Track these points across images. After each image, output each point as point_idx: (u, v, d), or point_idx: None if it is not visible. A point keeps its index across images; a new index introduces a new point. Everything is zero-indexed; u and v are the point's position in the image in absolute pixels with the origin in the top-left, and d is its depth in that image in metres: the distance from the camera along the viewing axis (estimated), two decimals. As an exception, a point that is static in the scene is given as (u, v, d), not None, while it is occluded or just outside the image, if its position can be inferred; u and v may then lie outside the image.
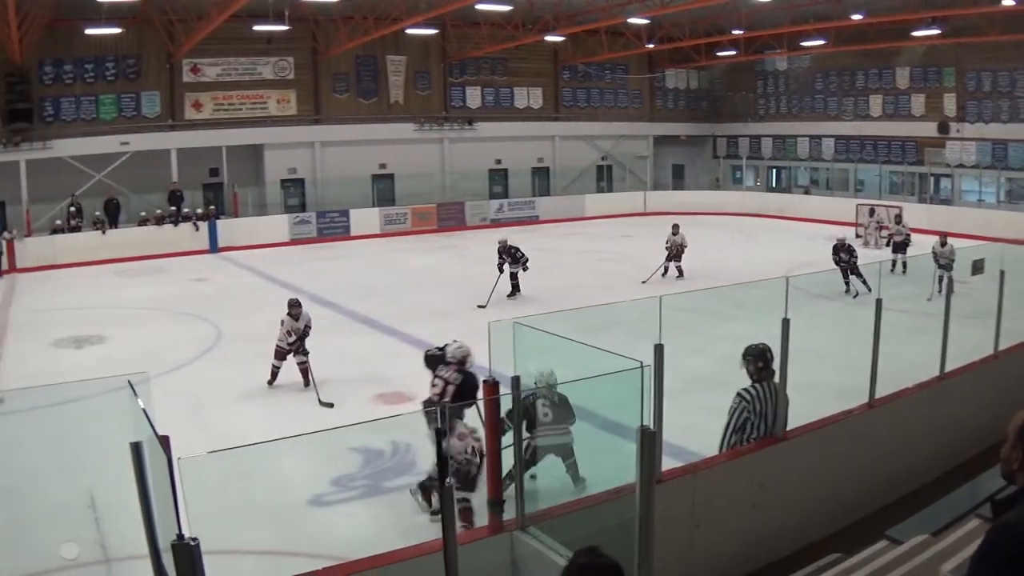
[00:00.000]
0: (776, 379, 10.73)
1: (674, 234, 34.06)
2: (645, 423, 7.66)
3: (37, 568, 10.22)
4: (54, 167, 42.18)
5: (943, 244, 27.42)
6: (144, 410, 5.82)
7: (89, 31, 41.09)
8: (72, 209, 42.81)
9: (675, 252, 33.67)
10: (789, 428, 10.87)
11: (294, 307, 19.80)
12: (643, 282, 29.22)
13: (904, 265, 31.39)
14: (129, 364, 20.59)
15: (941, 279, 23.24)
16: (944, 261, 25.33)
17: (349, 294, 30.25)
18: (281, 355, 19.72)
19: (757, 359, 10.72)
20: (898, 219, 34.84)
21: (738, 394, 10.63)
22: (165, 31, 42.69)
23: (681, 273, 32.93)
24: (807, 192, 56.57)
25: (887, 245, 34.46)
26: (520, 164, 55.94)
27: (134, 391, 6.05)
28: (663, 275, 31.64)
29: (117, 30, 41.52)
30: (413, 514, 11.19)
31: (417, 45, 50.70)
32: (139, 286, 32.58)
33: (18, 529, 12.14)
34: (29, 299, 31.03)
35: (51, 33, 41.30)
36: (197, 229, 43.66)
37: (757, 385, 10.67)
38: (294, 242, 44.92)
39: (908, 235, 33.52)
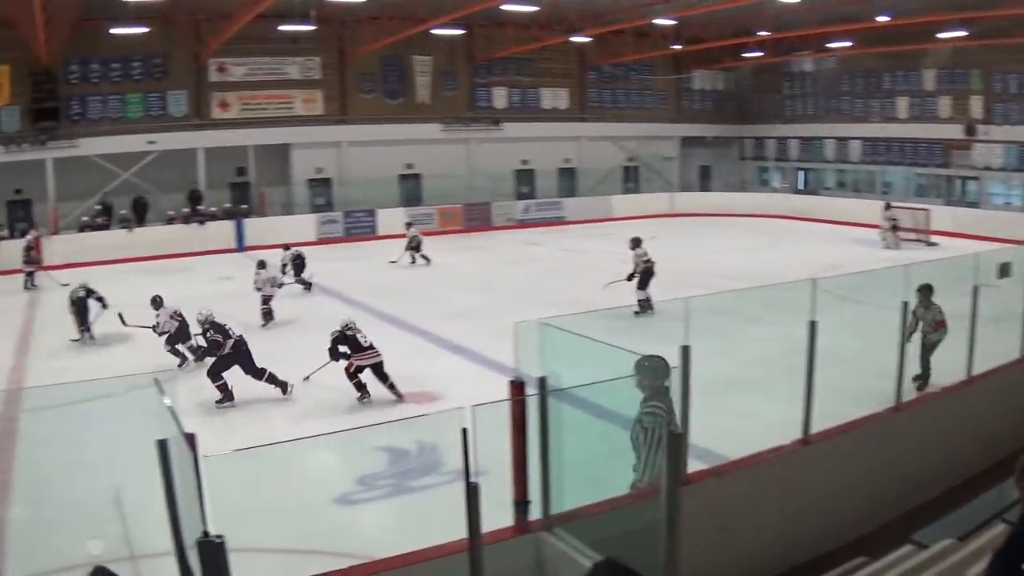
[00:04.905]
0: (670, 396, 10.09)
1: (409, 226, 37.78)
2: (671, 425, 7.64)
3: (63, 564, 10.23)
4: (81, 165, 42.57)
5: None
6: (170, 408, 5.82)
7: (115, 31, 41.35)
8: (99, 207, 43.01)
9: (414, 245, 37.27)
10: (815, 431, 10.81)
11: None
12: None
13: (648, 304, 25.67)
14: (155, 362, 20.67)
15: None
16: None
17: (376, 293, 30.31)
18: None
19: (656, 377, 9.28)
20: (637, 243, 26.81)
21: (651, 413, 9.20)
22: (192, 31, 43.24)
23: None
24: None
25: (628, 278, 26.29)
26: (546, 165, 55.89)
27: (160, 389, 6.05)
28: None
29: (144, 30, 41.71)
30: (439, 513, 11.19)
31: (443, 45, 50.70)
32: (165, 285, 32.50)
33: (45, 525, 12.19)
34: (55, 297, 31.11)
35: (78, 33, 41.68)
36: (202, 224, 44.18)
37: (657, 403, 9.32)
38: (321, 241, 44.94)
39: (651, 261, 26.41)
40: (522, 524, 8.74)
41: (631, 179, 59.44)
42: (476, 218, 50.64)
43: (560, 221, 52.23)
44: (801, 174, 59.73)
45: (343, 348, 18.92)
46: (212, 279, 34.21)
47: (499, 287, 28.79)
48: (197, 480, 5.42)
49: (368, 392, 18.89)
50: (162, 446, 6.09)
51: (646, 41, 51.91)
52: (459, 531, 6.80)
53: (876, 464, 11.74)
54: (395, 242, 42.48)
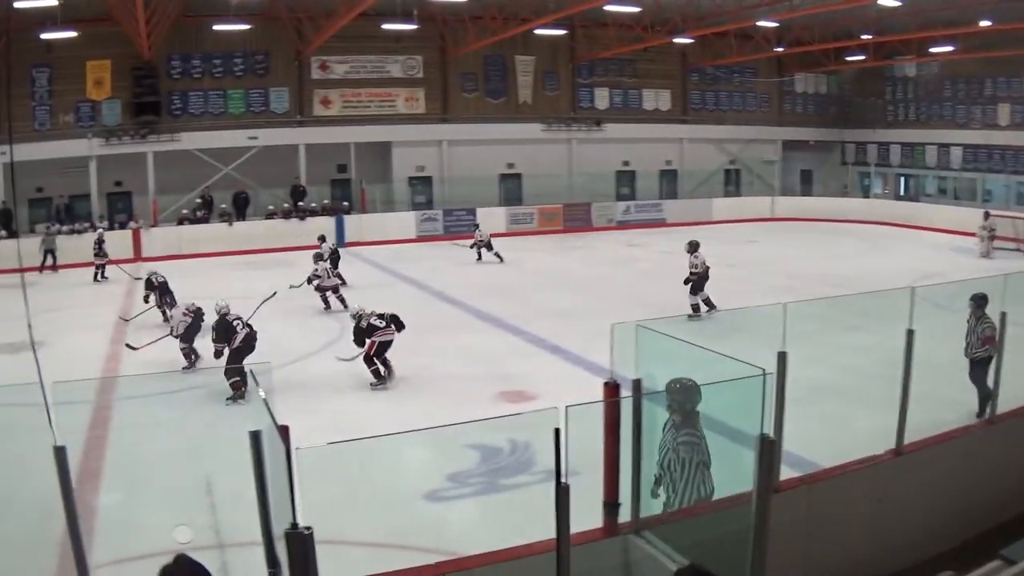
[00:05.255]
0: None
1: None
2: (765, 431, 7.61)
3: (149, 550, 10.37)
4: (181, 159, 43.30)
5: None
6: (265, 399, 5.88)
7: (217, 27, 42.26)
8: (199, 201, 43.68)
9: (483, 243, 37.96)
10: (907, 442, 10.70)
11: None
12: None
13: (708, 303, 26.06)
14: (252, 354, 20.89)
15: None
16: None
17: (475, 292, 30.53)
18: None
19: (686, 400, 9.03)
20: (694, 247, 27.06)
21: (687, 443, 8.99)
22: (294, 28, 43.67)
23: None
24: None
25: (684, 282, 26.53)
26: (648, 166, 55.71)
27: (255, 380, 6.15)
28: None
29: (245, 27, 42.38)
30: (528, 512, 11.25)
31: (545, 45, 50.91)
32: (264, 278, 32.90)
33: (133, 510, 12.37)
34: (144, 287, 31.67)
35: (179, 29, 42.74)
36: (303, 219, 44.78)
37: (692, 429, 9.03)
38: (420, 239, 45.18)
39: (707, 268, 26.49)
40: (611, 526, 8.73)
41: (732, 182, 59.04)
42: (576, 218, 50.53)
43: (660, 223, 51.91)
44: (902, 180, 59.02)
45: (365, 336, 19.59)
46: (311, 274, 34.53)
47: (597, 288, 28.77)
48: (288, 471, 5.48)
49: (384, 380, 19.60)
50: (255, 437, 6.15)
51: (749, 43, 51.41)
52: (548, 531, 6.82)
53: (967, 477, 11.58)
54: (495, 241, 42.66)
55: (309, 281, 28.41)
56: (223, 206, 44.44)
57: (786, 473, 10.08)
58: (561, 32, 48.91)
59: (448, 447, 13.79)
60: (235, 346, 19.16)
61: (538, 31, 46.03)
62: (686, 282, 26.28)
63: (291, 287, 29.11)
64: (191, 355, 21.19)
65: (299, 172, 45.93)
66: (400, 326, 19.89)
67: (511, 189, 51.87)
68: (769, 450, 7.19)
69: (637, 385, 8.64)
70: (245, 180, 45.23)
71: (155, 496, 12.58)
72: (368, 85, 48.14)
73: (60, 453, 5.86)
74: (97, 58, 42.62)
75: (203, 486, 12.71)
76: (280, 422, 5.66)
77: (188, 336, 21.08)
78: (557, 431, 6.17)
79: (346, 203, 46.83)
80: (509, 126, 50.98)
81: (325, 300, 27.74)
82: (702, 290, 26.09)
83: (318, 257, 29.14)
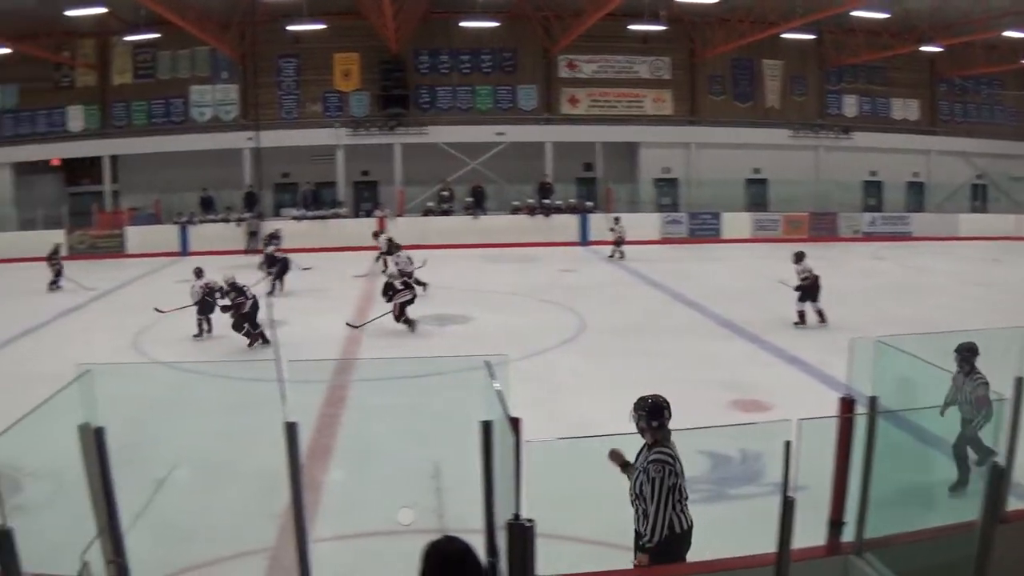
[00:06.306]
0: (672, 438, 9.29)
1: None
2: (996, 459, 7.46)
3: (373, 528, 10.62)
4: (428, 152, 44.59)
5: None
6: (499, 391, 5.96)
7: (464, 24, 43.55)
8: (444, 193, 44.44)
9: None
10: None
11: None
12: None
13: (820, 315, 25.97)
14: (489, 346, 21.12)
15: None
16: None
17: (715, 297, 30.21)
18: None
19: (652, 416, 9.25)
20: (799, 257, 27.19)
21: (657, 460, 9.01)
22: (541, 27, 44.34)
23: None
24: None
25: (796, 289, 26.50)
26: (894, 177, 54.41)
27: (491, 372, 6.21)
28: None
29: (493, 24, 43.32)
30: (751, 524, 11.16)
31: (793, 50, 50.47)
32: (507, 272, 33.24)
33: (362, 489, 12.77)
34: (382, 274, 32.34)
35: (426, 25, 44.29)
36: (547, 216, 45.28)
37: (664, 448, 9.14)
38: (664, 241, 45.25)
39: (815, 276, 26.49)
40: (834, 545, 8.63)
41: (979, 197, 57.21)
42: (822, 227, 49.82)
43: (906, 236, 50.74)
44: None
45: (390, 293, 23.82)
46: (554, 270, 34.71)
47: (839, 300, 28.28)
48: (516, 463, 5.55)
49: (414, 325, 23.89)
50: (486, 427, 6.23)
51: (995, 54, 50.14)
52: (769, 544, 6.79)
53: None
54: (739, 246, 42.57)
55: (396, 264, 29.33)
56: (469, 200, 45.56)
57: (1014, 504, 9.86)
58: (809, 37, 48.49)
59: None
60: (245, 310, 22.97)
61: (785, 35, 45.81)
62: (796, 289, 26.35)
63: (355, 276, 32.43)
64: (202, 324, 24.43)
65: (545, 169, 46.62)
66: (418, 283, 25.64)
67: (756, 194, 51.42)
68: (998, 478, 7.04)
69: (873, 403, 8.52)
70: (490, 175, 46.09)
71: (382, 477, 13.04)
72: (616, 85, 48.59)
73: (291, 428, 6.03)
74: (344, 50, 44.57)
75: (430, 470, 12.95)
76: (512, 414, 5.73)
77: (203, 310, 24.38)
78: (788, 444, 6.15)
79: (590, 202, 47.16)
80: (756, 131, 50.71)
81: (419, 282, 28.50)
82: (815, 300, 26.08)
83: (397, 247, 30.78)
